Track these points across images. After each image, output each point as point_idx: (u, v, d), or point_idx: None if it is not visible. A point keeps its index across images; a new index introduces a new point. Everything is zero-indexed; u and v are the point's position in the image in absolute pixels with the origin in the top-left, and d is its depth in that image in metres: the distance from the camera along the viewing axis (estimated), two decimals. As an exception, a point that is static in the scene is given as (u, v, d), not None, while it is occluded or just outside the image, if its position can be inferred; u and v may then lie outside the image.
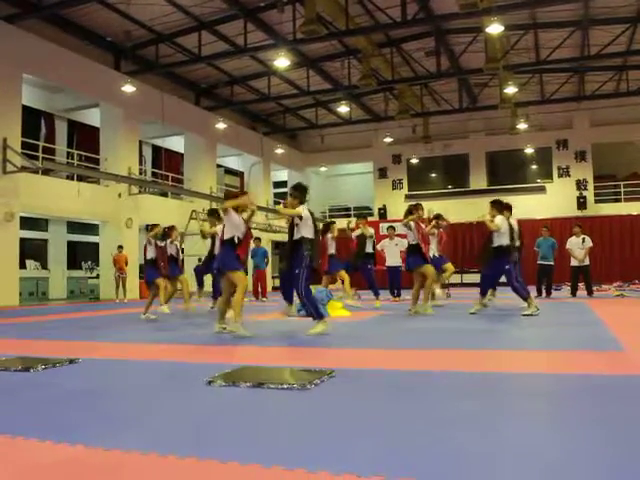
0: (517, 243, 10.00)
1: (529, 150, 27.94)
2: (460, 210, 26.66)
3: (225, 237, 7.03)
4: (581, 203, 26.18)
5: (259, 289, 16.94)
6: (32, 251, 21.49)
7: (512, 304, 10.52)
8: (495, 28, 15.81)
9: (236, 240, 7.01)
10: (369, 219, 28.03)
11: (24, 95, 16.99)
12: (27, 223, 19.18)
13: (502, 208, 9.54)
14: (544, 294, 14.09)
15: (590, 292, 14.17)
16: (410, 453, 2.35)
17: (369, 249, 12.79)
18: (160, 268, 10.59)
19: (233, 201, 7.12)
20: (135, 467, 2.27)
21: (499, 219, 9.28)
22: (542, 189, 27.22)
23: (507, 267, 9.11)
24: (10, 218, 15.73)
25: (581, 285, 14.51)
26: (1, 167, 15.56)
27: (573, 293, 14.32)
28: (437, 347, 5.69)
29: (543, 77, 23.50)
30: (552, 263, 14.03)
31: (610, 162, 26.66)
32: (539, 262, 14.12)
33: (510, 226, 9.45)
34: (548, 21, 18.69)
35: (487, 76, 22.53)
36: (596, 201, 26.63)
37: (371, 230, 12.78)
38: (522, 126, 25.77)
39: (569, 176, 27.07)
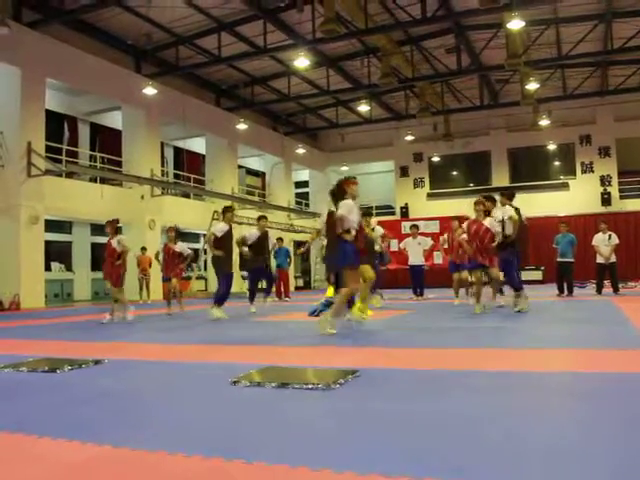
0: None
1: (552, 146, 27.68)
2: (482, 208, 26.45)
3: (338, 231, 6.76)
4: (605, 199, 25.85)
5: (282, 289, 16.96)
6: (57, 253, 21.72)
7: (533, 302, 10.39)
8: (516, 24, 15.65)
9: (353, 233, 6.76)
10: (388, 218, 28.09)
11: (47, 99, 17.18)
12: (52, 226, 19.38)
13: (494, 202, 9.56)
14: (565, 292, 13.76)
15: (616, 289, 13.95)
16: (437, 453, 2.32)
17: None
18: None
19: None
20: (162, 467, 2.28)
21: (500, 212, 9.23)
22: (565, 186, 26.92)
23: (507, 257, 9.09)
24: (35, 221, 15.92)
25: (607, 282, 14.26)
26: (26, 171, 15.75)
27: (599, 291, 14.10)
28: (461, 346, 5.65)
29: (565, 72, 23.23)
30: (572, 260, 13.66)
31: (635, 157, 26.26)
32: (558, 259, 13.72)
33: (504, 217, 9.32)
34: (570, 15, 18.46)
35: (508, 72, 22.31)
36: (621, 197, 26.27)
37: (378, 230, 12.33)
38: (544, 122, 25.51)
39: (593, 172, 26.74)
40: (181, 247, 11.30)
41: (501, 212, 9.35)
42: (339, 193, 6.87)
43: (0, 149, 15.81)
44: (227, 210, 10.28)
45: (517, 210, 9.32)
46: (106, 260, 9.69)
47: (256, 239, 10.79)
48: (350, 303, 7.85)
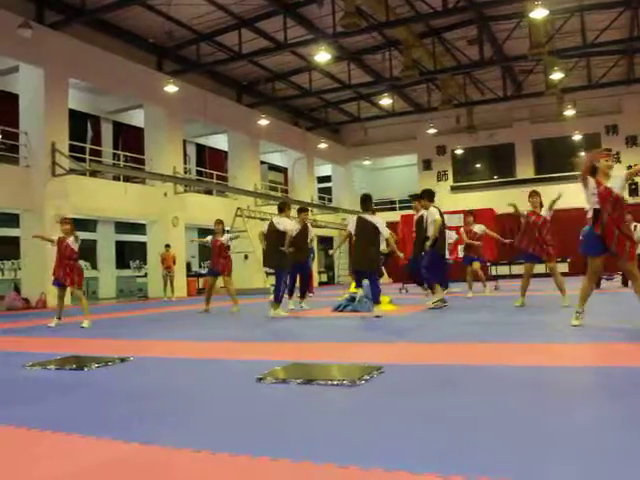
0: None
1: (577, 137, 27.31)
2: (507, 200, 26.18)
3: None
4: (633, 190, 25.44)
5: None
6: (82, 251, 21.67)
7: (549, 295, 10.21)
8: (539, 12, 15.42)
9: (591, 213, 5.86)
10: (411, 212, 27.91)
11: (70, 99, 17.32)
12: (76, 224, 19.43)
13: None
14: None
15: None
16: (464, 451, 2.29)
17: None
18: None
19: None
20: (189, 464, 2.27)
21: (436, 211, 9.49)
22: (591, 176, 26.52)
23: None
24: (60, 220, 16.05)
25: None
26: (50, 170, 15.90)
27: (624, 283, 13.90)
28: (487, 340, 5.59)
29: (590, 61, 22.86)
30: None
31: (663, 146, 25.83)
32: None
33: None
34: (595, 2, 18.17)
35: (532, 62, 22.03)
36: (649, 187, 25.87)
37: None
38: (569, 112, 25.18)
39: (619, 162, 26.25)
40: (226, 238, 11.15)
41: (426, 214, 9.60)
42: (587, 170, 5.90)
43: (25, 149, 15.99)
44: (288, 207, 10.13)
45: (439, 210, 9.55)
46: (61, 262, 9.16)
47: (297, 233, 10.01)
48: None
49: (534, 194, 9.15)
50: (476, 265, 12.74)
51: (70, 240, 9.33)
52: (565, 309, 8.29)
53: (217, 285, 11.80)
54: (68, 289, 9.49)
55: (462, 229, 13.03)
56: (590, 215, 5.85)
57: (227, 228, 22.20)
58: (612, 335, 5.53)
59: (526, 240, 8.99)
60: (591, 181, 5.80)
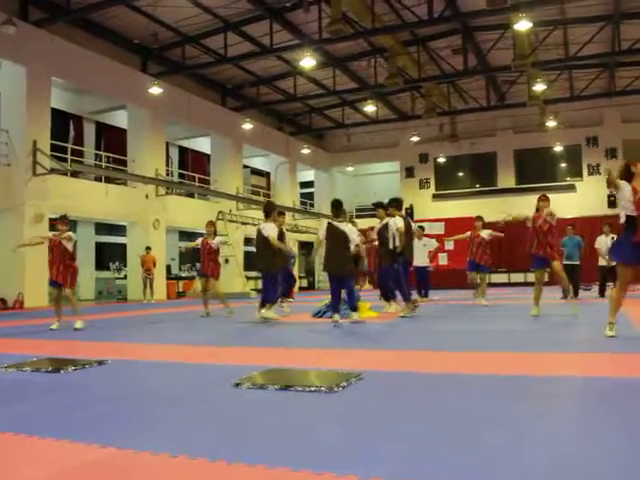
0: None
1: (558, 148, 27.60)
2: (488, 209, 26.41)
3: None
4: (612, 202, 25.72)
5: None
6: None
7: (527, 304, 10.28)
8: (523, 25, 15.58)
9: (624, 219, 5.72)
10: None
11: (53, 98, 17.19)
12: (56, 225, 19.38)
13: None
14: (570, 294, 13.68)
15: None
16: (439, 457, 2.30)
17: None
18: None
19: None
20: (165, 469, 2.26)
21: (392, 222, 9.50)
22: (572, 187, 26.84)
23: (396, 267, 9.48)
24: (40, 220, 15.90)
25: (611, 285, 14.16)
26: (31, 169, 15.76)
27: (601, 293, 14.06)
28: (466, 349, 5.61)
29: (572, 73, 23.17)
30: (578, 263, 13.66)
31: (642, 159, 26.13)
32: (564, 262, 13.69)
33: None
34: (578, 16, 18.39)
35: (515, 73, 22.25)
36: (627, 199, 26.14)
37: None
38: (551, 123, 25.44)
39: (599, 174, 26.63)
40: (217, 242, 10.92)
41: (392, 222, 9.51)
42: (624, 176, 5.79)
43: (6, 147, 15.84)
44: (274, 209, 9.80)
45: (406, 219, 9.61)
46: (57, 260, 8.80)
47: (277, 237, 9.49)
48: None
49: (545, 198, 9.02)
50: (483, 274, 12.69)
51: (62, 239, 8.88)
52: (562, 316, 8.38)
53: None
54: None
55: (468, 233, 12.76)
56: (623, 221, 5.73)
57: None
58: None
59: (535, 245, 8.90)
60: (626, 187, 5.64)
